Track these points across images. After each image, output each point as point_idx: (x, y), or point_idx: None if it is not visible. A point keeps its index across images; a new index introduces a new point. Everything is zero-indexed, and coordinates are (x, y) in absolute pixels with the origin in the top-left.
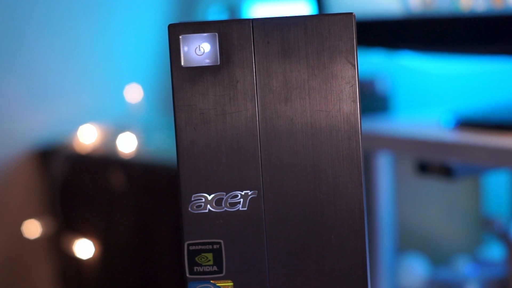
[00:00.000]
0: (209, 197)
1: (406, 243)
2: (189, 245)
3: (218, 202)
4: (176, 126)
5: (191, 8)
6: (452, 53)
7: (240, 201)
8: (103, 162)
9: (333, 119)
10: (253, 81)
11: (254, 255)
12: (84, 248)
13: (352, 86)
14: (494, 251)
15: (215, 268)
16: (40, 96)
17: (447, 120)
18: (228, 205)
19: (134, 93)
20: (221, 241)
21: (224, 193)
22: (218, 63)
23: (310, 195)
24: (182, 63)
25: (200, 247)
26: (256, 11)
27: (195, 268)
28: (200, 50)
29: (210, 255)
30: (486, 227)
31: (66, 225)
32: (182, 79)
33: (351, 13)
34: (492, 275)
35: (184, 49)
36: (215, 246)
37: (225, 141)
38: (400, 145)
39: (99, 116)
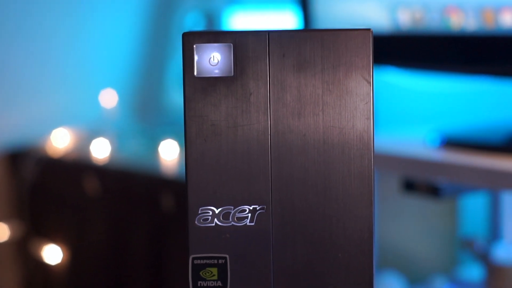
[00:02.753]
0: (217, 211)
1: (384, 261)
2: (194, 258)
3: (226, 216)
4: (186, 137)
5: (168, 15)
6: (439, 72)
7: (248, 216)
8: (75, 166)
9: (346, 136)
10: (266, 94)
11: (259, 271)
12: (52, 254)
13: (366, 103)
14: (472, 272)
15: (219, 283)
16: (12, 97)
17: (432, 138)
18: (235, 219)
19: (108, 98)
20: (227, 256)
21: (232, 207)
22: (232, 74)
23: (319, 212)
24: (195, 73)
25: (205, 261)
26: (237, 20)
27: (199, 282)
28: (214, 60)
29: (215, 270)
30: (465, 247)
31: (34, 230)
32: (194, 89)
33: (369, 29)
34: None
35: (197, 58)
36: (220, 261)
37: (235, 154)
38: (384, 163)
39: (72, 120)
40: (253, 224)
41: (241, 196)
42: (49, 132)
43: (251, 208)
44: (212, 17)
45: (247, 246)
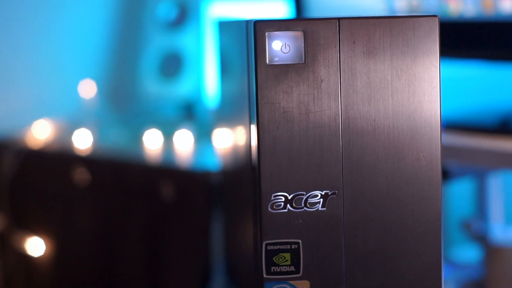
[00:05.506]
0: (289, 197)
1: None
2: (267, 244)
3: (298, 201)
4: (258, 124)
5: (140, 4)
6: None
7: (319, 201)
8: (57, 158)
9: (415, 121)
10: (337, 80)
11: (331, 256)
12: (35, 246)
13: (434, 88)
14: (467, 253)
15: (292, 268)
16: None
17: None
18: (307, 205)
19: (87, 89)
20: (300, 241)
21: (304, 193)
22: (303, 61)
23: (389, 196)
24: (267, 61)
25: (278, 246)
26: (214, 10)
27: (272, 268)
28: (285, 48)
29: (288, 255)
30: (462, 228)
31: (15, 222)
32: (267, 77)
33: (435, 16)
34: (466, 276)
35: (269, 46)
36: (293, 246)
37: (307, 140)
38: None
39: (51, 111)
40: (325, 209)
41: (313, 182)
42: (28, 124)
43: (323, 193)
44: (185, 6)
45: (319, 231)
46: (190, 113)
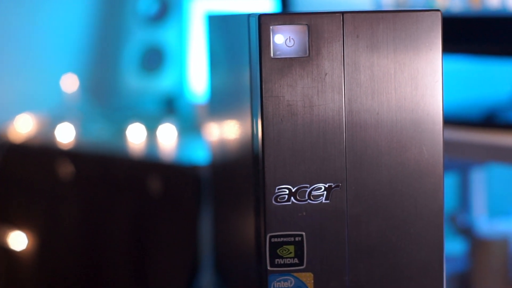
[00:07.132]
0: (293, 189)
1: None
2: (271, 237)
3: (302, 194)
4: (263, 117)
5: None
6: None
7: (323, 194)
8: (40, 152)
9: (417, 114)
10: (341, 74)
11: (335, 248)
12: (17, 240)
13: (436, 82)
14: (453, 245)
15: (296, 260)
16: None
17: None
18: (311, 197)
19: (69, 83)
20: (303, 233)
21: (308, 185)
22: (307, 55)
23: (392, 189)
24: (271, 54)
25: (282, 239)
26: (195, 4)
27: (276, 260)
28: (290, 41)
29: (291, 248)
30: (448, 222)
31: None
32: (271, 70)
33: (438, 10)
34: (452, 269)
35: (274, 40)
36: (297, 239)
37: (311, 133)
38: None
39: (33, 105)
40: (328, 201)
41: (316, 174)
42: (11, 118)
43: (326, 186)
44: (166, 1)
45: (322, 223)
46: (171, 107)
